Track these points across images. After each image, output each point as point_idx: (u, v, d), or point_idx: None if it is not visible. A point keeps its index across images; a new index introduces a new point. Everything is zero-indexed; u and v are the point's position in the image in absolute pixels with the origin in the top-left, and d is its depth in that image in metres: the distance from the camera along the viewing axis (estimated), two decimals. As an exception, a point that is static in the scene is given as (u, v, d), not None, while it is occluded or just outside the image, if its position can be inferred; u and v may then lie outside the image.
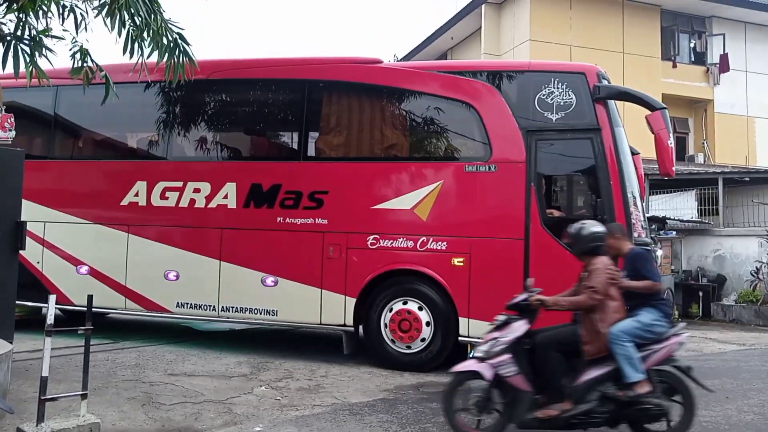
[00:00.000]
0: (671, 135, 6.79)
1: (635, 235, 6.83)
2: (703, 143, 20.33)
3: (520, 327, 4.89)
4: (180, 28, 5.34)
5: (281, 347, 8.71)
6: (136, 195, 8.47)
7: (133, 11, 4.78)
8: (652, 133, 6.85)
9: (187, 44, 5.39)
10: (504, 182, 7.27)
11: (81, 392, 4.87)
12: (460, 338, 7.38)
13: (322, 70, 8.23)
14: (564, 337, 4.88)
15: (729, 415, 5.83)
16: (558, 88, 7.17)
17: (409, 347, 7.48)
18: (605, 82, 7.22)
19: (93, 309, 5.07)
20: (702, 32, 20.87)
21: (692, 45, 21.09)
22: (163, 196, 8.38)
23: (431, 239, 7.45)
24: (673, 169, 6.85)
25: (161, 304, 8.34)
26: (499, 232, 7.26)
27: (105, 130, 9.22)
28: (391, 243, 7.58)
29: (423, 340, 7.44)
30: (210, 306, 8.15)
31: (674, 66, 20.21)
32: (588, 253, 4.93)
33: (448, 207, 7.45)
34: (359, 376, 7.17)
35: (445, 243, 7.41)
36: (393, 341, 7.54)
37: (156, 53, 5.16)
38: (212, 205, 8.21)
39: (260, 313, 8.00)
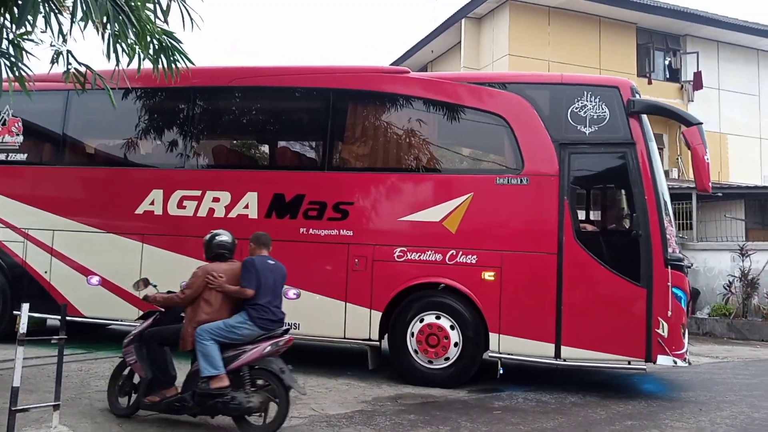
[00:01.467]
0: (708, 150, 6.79)
1: (670, 250, 6.82)
2: (678, 159, 20.64)
3: (146, 321, 5.72)
4: (169, 31, 5.16)
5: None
6: (152, 204, 8.19)
7: (110, 16, 4.49)
8: (689, 148, 6.88)
9: (178, 41, 5.20)
10: (536, 195, 7.22)
11: (53, 403, 4.88)
12: (490, 354, 7.26)
13: (347, 79, 8.08)
14: (169, 332, 5.49)
15: (702, 428, 5.91)
16: (591, 101, 7.15)
17: (445, 359, 7.29)
18: (638, 97, 7.21)
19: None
20: (677, 50, 21.33)
21: (667, 62, 21.51)
22: (180, 205, 8.12)
23: (461, 252, 7.33)
24: (710, 184, 6.85)
25: None
26: (531, 246, 7.19)
27: (119, 136, 8.85)
28: (419, 256, 7.44)
29: (447, 359, 7.29)
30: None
31: (650, 82, 20.53)
32: (213, 259, 5.57)
33: (478, 220, 7.35)
34: (337, 388, 7.07)
35: (475, 256, 7.29)
36: (417, 352, 7.34)
37: (141, 55, 5.00)
38: (232, 215, 7.97)
39: (282, 327, 7.77)
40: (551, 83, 7.69)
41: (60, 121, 8.83)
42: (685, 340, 7.05)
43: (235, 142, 8.62)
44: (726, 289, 14.60)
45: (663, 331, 6.73)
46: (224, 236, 5.69)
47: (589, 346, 6.96)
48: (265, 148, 8.74)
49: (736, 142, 20.71)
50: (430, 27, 22.57)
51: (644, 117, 7.21)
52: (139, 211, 8.21)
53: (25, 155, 8.99)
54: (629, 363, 6.94)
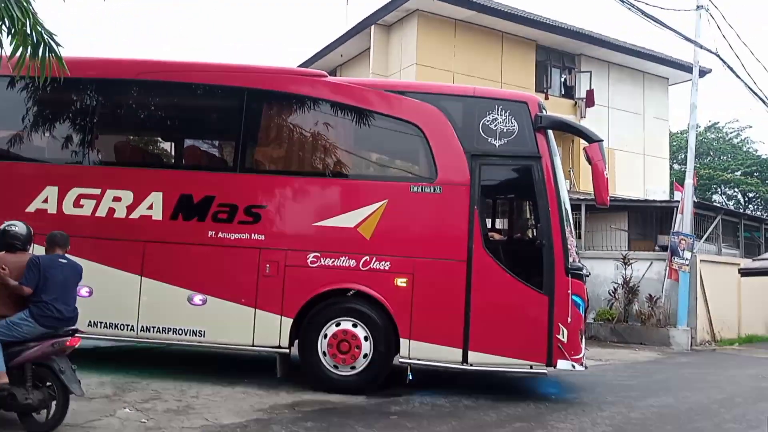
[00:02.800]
0: (606, 166, 7.21)
1: (571, 259, 7.17)
2: (570, 171, 21.80)
3: None
4: (52, 33, 5.04)
5: (150, 366, 8.20)
6: (45, 202, 7.64)
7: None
8: (589, 163, 7.27)
9: (56, 43, 5.08)
10: (448, 204, 7.38)
11: None
12: (400, 360, 7.33)
13: (262, 79, 7.92)
14: None
15: (584, 428, 6.31)
16: (501, 115, 7.41)
17: (353, 367, 7.29)
18: (545, 112, 7.54)
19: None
20: (572, 68, 22.50)
21: (563, 79, 22.63)
22: (77, 204, 7.62)
23: (374, 259, 7.36)
24: (608, 198, 7.27)
25: None
26: (442, 253, 7.33)
27: (8, 127, 8.21)
28: (333, 261, 7.40)
29: (365, 356, 7.27)
30: (128, 326, 7.50)
31: (546, 98, 21.41)
32: (4, 249, 5.49)
33: (392, 226, 7.41)
34: (233, 396, 6.97)
35: (388, 263, 7.35)
36: (336, 366, 7.31)
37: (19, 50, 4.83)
38: (134, 215, 7.58)
39: (185, 334, 7.48)
40: (465, 95, 7.88)
41: None
42: (583, 345, 7.43)
43: (138, 138, 8.19)
44: (611, 295, 15.57)
45: (563, 337, 7.07)
46: (15, 227, 5.57)
47: (495, 351, 7.19)
48: (173, 147, 8.37)
49: (623, 157, 22.09)
50: (340, 31, 22.47)
51: (550, 132, 7.54)
52: (31, 209, 7.63)
53: None
54: (531, 367, 7.24)
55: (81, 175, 7.79)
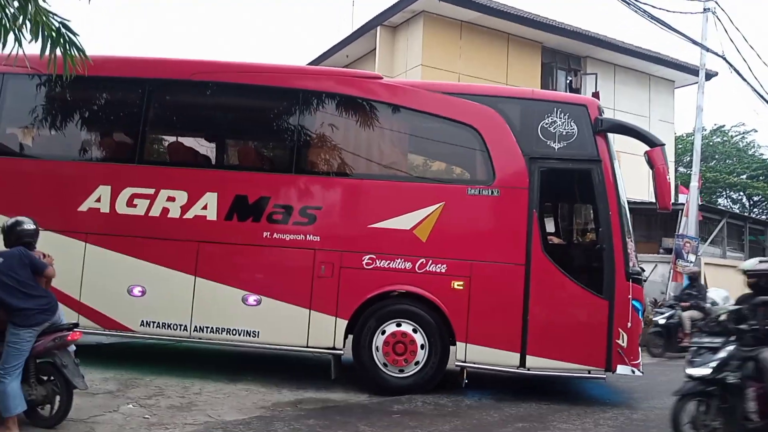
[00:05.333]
0: (669, 170, 7.24)
1: (631, 264, 7.18)
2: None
3: None
4: (65, 19, 4.80)
5: (153, 363, 8.12)
6: (98, 201, 7.51)
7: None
8: (651, 168, 7.27)
9: (74, 34, 4.85)
10: (506, 207, 7.35)
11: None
12: (456, 363, 7.30)
13: (318, 81, 7.85)
14: None
15: (587, 429, 6.27)
16: (561, 118, 7.39)
17: (402, 371, 7.26)
18: (604, 115, 7.55)
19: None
20: (578, 70, 22.60)
21: (568, 81, 22.70)
22: (130, 204, 7.49)
23: (430, 261, 7.31)
24: (671, 203, 7.29)
25: (122, 323, 7.44)
26: (500, 256, 7.30)
27: (59, 126, 8.05)
28: (388, 264, 7.34)
29: (417, 363, 7.25)
30: (181, 325, 7.40)
31: None
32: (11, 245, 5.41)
33: (449, 229, 7.36)
34: (236, 393, 6.95)
35: (444, 266, 7.30)
36: (385, 365, 7.28)
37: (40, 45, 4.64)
38: (188, 215, 7.47)
39: (239, 334, 7.38)
40: (523, 98, 7.86)
41: None
42: (639, 350, 7.46)
43: (195, 139, 8.07)
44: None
45: (623, 342, 7.07)
46: (29, 224, 5.45)
47: (553, 355, 7.17)
48: (229, 148, 8.27)
49: (628, 160, 22.16)
50: (347, 31, 22.37)
51: (609, 135, 7.56)
52: (83, 208, 7.50)
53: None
54: (589, 372, 7.24)
55: (134, 175, 7.66)
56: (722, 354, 5.23)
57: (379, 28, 20.73)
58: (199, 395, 6.67)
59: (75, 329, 5.45)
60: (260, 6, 70.23)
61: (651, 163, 7.29)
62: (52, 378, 5.29)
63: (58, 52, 4.71)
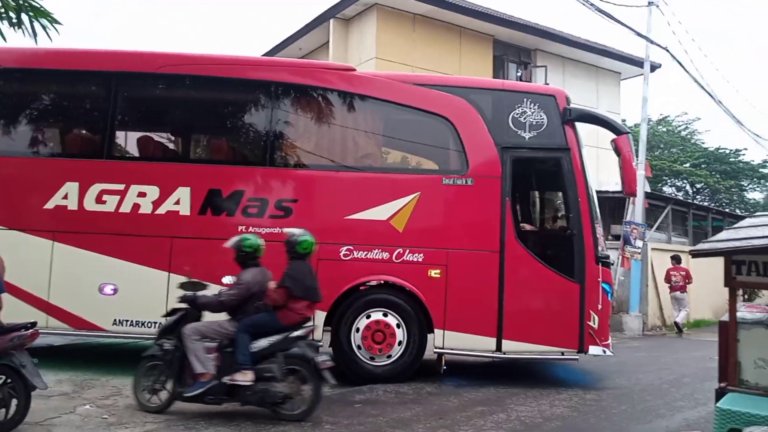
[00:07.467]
0: (635, 158, 7.51)
1: (599, 249, 7.43)
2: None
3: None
4: None
5: (108, 364, 7.96)
6: (65, 198, 7.28)
7: None
8: (618, 155, 7.53)
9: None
10: (480, 196, 7.48)
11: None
12: (435, 350, 7.41)
13: (291, 73, 7.78)
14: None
15: (543, 410, 6.54)
16: (530, 108, 7.58)
17: (379, 358, 7.33)
18: (571, 106, 7.77)
19: None
20: (528, 63, 23.01)
21: (519, 74, 23.03)
22: (99, 200, 7.30)
23: (407, 251, 7.40)
24: (636, 188, 7.57)
25: (94, 322, 7.27)
26: (475, 244, 7.45)
27: (22, 122, 7.77)
28: (366, 254, 7.40)
29: (395, 351, 7.33)
30: (155, 323, 7.21)
31: None
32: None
33: (424, 219, 7.46)
34: None
35: (421, 255, 7.41)
36: (364, 353, 7.32)
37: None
38: (161, 211, 7.33)
39: (217, 330, 7.27)
40: (494, 89, 7.99)
41: None
42: (609, 331, 7.72)
43: (166, 132, 7.90)
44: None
45: (594, 323, 7.33)
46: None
47: (528, 339, 7.37)
48: (202, 141, 8.13)
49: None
50: (299, 24, 22.16)
51: (576, 125, 7.78)
52: (50, 206, 7.27)
53: None
54: (563, 354, 7.46)
55: (103, 171, 7.46)
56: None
57: (332, 20, 20.56)
58: (158, 393, 6.56)
59: (32, 328, 5.24)
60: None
61: (617, 150, 7.55)
62: (8, 381, 5.03)
63: (26, 20, 4.52)
